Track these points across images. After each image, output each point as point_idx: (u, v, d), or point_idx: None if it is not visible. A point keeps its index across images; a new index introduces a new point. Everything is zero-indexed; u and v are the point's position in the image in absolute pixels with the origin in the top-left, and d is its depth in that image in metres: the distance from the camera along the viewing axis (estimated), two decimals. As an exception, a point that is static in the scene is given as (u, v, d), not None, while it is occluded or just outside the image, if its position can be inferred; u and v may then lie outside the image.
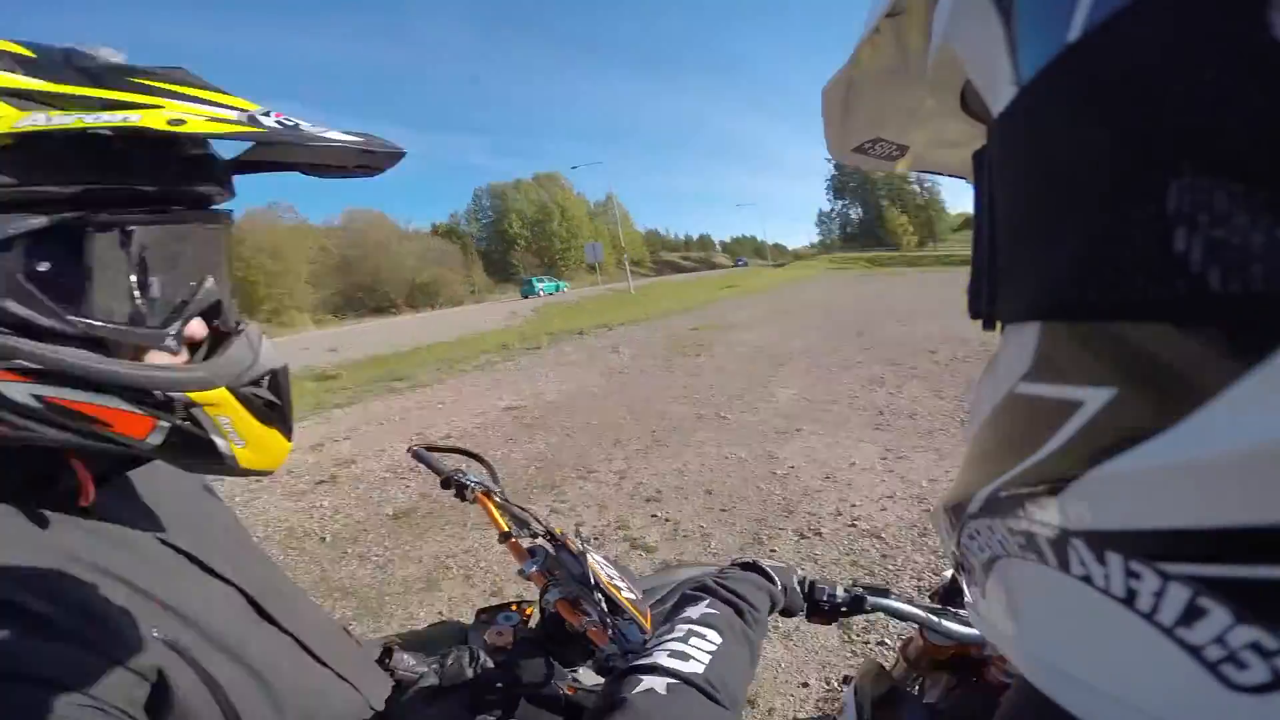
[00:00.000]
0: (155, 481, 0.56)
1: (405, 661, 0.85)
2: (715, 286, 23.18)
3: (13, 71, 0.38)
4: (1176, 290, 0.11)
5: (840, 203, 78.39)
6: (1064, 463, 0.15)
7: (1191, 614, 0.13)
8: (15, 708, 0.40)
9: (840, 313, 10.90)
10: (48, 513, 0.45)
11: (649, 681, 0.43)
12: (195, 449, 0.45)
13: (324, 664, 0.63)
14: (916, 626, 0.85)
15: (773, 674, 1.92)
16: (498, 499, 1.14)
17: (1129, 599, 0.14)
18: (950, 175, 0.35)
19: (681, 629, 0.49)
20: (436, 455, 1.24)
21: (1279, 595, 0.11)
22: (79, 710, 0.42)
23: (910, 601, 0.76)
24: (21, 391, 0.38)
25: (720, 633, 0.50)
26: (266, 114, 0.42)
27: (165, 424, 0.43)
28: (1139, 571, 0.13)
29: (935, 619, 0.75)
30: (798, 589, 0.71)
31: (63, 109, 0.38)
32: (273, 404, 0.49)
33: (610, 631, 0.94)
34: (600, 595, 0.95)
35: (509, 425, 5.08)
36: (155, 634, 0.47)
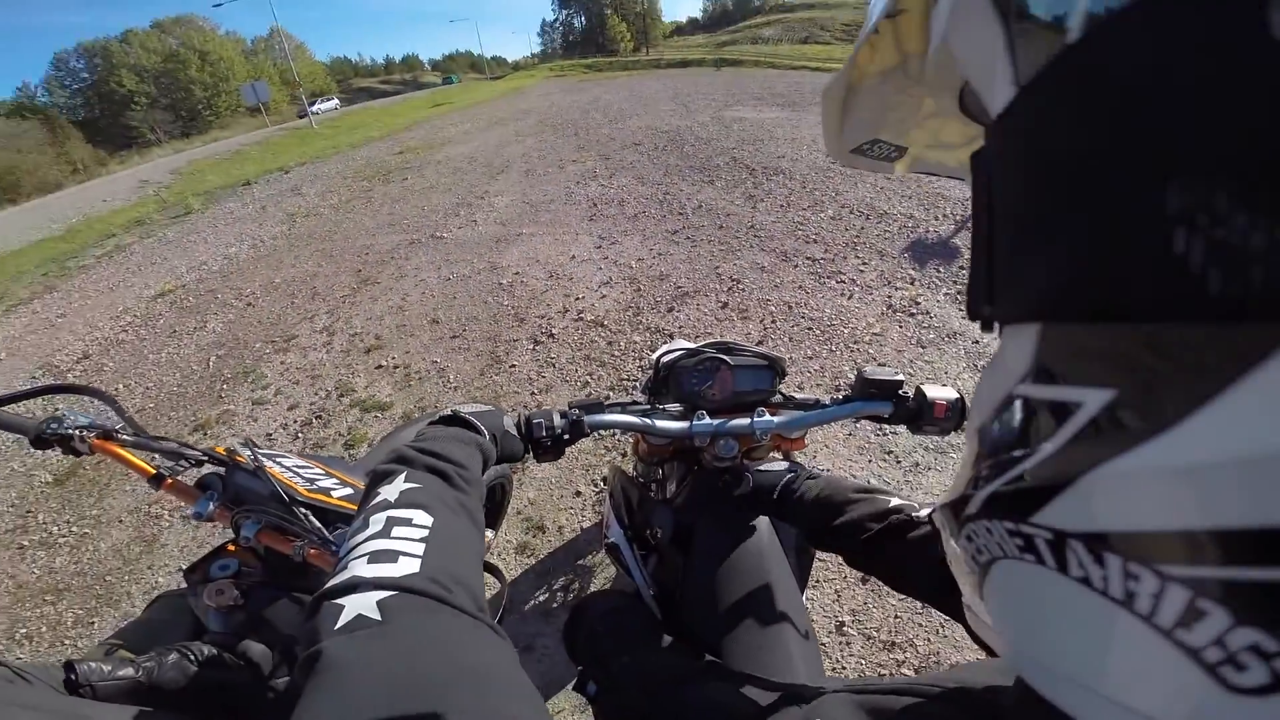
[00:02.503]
0: None
1: (98, 672, 0.66)
2: (423, 107, 20.13)
3: None
4: (1176, 292, 0.11)
5: (565, 11, 73.39)
6: (1063, 464, 0.15)
7: (1191, 616, 0.13)
8: None
9: (556, 117, 10.36)
10: None
11: (353, 605, 0.31)
12: None
13: None
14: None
15: (549, 492, 1.93)
16: (125, 436, 0.84)
17: (1128, 600, 0.14)
18: (949, 176, 0.35)
19: (378, 519, 0.38)
20: (11, 410, 0.85)
21: (1278, 597, 0.11)
22: None
23: (623, 409, 0.71)
24: None
25: (429, 510, 0.40)
26: None
27: None
28: (1138, 573, 0.13)
29: (649, 422, 0.71)
30: (512, 431, 0.61)
31: None
32: None
33: (333, 547, 0.80)
34: (303, 509, 0.80)
35: (168, 315, 3.93)
36: None
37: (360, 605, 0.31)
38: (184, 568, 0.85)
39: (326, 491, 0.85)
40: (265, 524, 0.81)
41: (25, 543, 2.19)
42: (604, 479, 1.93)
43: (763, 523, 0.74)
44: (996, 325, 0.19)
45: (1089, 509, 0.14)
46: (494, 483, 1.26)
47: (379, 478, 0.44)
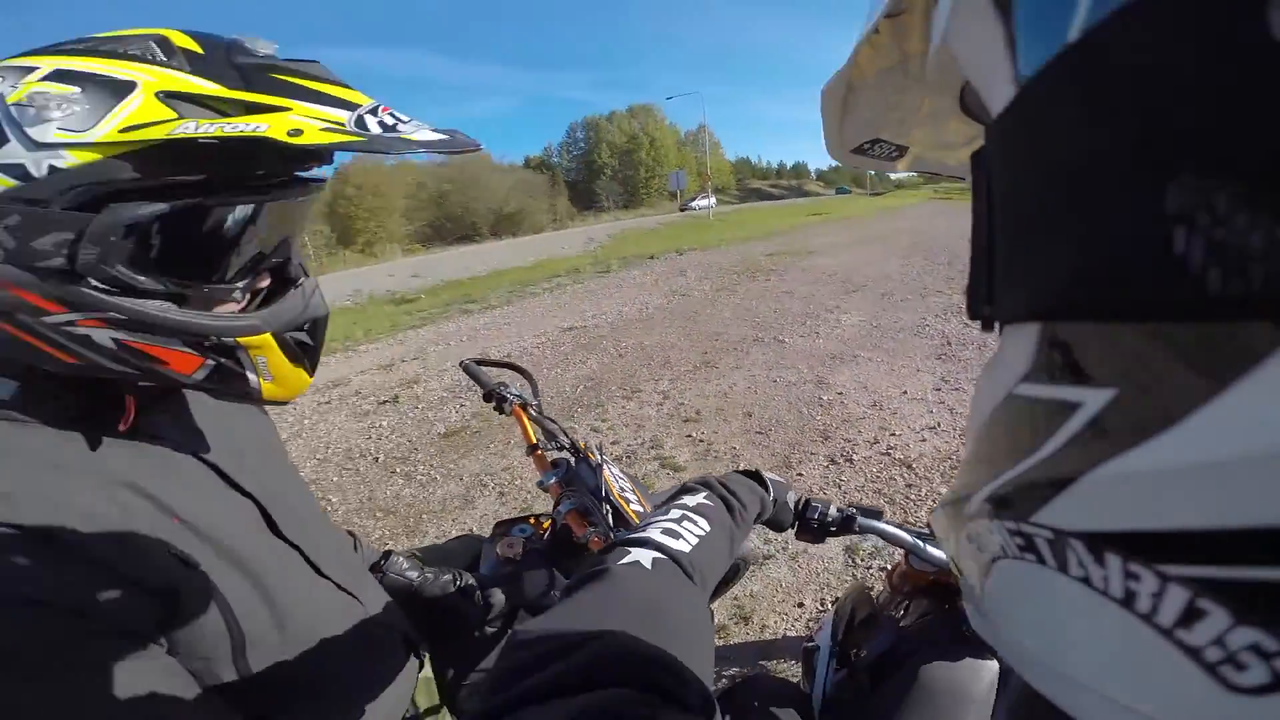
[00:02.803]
0: (202, 397, 0.59)
1: (398, 564, 0.89)
2: (801, 213, 21.95)
3: (180, 69, 0.45)
4: (1176, 291, 0.11)
5: (958, 131, 72.56)
6: (1063, 463, 0.15)
7: (1191, 615, 0.13)
8: (42, 634, 0.44)
9: (931, 242, 9.97)
10: (104, 437, 0.51)
11: (637, 554, 0.45)
12: (229, 381, 0.51)
13: (325, 576, 0.67)
14: (904, 551, 0.83)
15: (772, 592, 1.93)
16: (532, 413, 1.17)
17: (1128, 600, 0.14)
18: (949, 176, 0.35)
19: (677, 512, 0.52)
20: (485, 370, 1.29)
21: (1278, 597, 0.11)
22: (100, 639, 0.46)
23: (901, 526, 0.75)
24: (104, 335, 0.45)
25: (710, 522, 0.52)
26: (375, 111, 0.46)
27: (211, 363, 0.49)
28: (1138, 573, 0.13)
29: (921, 544, 0.73)
30: (790, 505, 0.71)
31: (211, 109, 0.44)
32: (305, 345, 0.54)
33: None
34: (609, 507, 0.97)
35: (567, 345, 5.20)
36: (173, 552, 0.51)
37: (641, 556, 0.44)
38: (498, 520, 1.12)
39: (628, 501, 1.01)
40: (578, 506, 0.98)
41: (397, 470, 3.17)
42: (835, 600, 1.76)
43: (989, 671, 0.65)
44: (996, 325, 0.19)
45: (1089, 509, 0.14)
46: (739, 559, 1.33)
47: (688, 490, 0.59)
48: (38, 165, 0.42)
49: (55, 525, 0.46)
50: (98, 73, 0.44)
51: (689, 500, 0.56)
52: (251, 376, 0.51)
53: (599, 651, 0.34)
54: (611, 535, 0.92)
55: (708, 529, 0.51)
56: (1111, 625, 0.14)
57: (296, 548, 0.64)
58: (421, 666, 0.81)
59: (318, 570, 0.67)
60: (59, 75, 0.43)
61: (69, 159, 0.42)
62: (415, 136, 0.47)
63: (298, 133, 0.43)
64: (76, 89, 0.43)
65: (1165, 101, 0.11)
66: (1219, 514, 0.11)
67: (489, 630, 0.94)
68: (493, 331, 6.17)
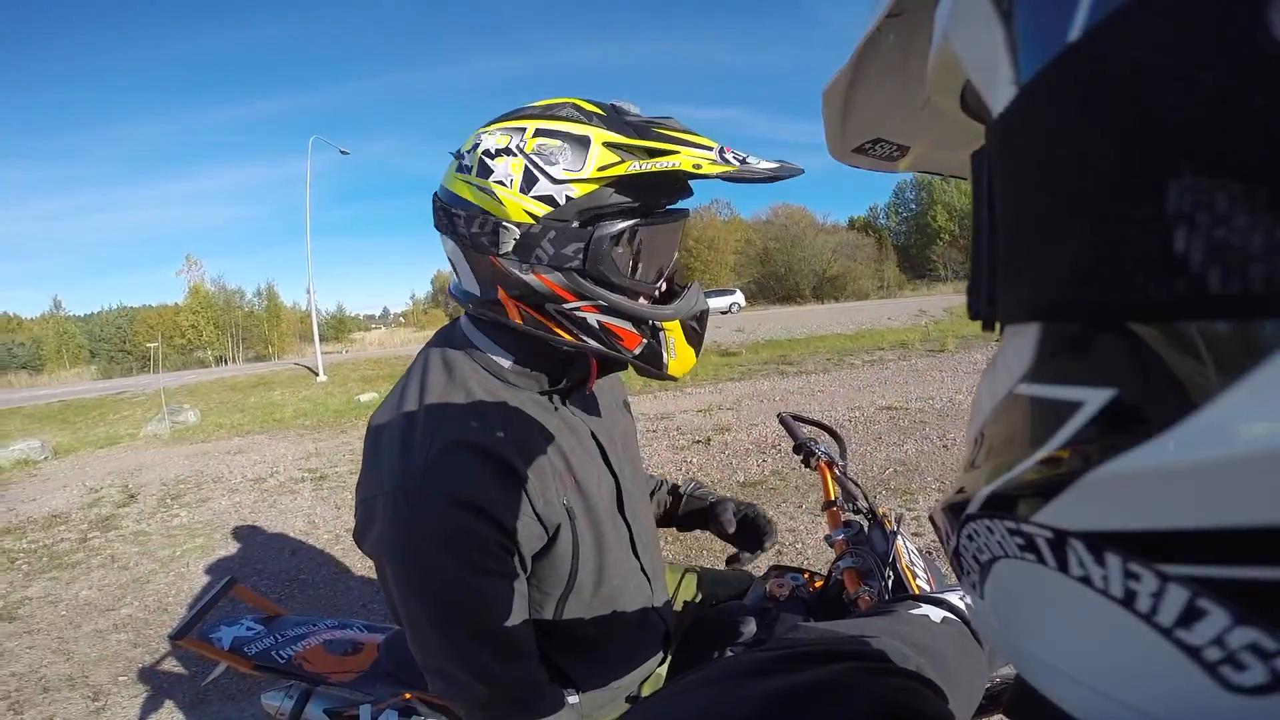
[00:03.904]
0: (600, 389, 0.79)
1: (701, 490, 1.06)
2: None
3: (602, 126, 0.59)
4: (1176, 291, 0.11)
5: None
6: (1064, 463, 0.15)
7: (1190, 615, 0.13)
8: (460, 527, 0.59)
9: None
10: (556, 405, 0.70)
11: (926, 609, 0.44)
12: (653, 358, 0.66)
13: (638, 558, 0.80)
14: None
15: None
16: (837, 471, 1.25)
17: (1128, 600, 0.14)
18: (950, 176, 0.35)
19: (962, 593, 0.52)
20: (799, 425, 1.41)
21: (1278, 596, 0.11)
22: (497, 546, 0.60)
23: None
24: (593, 318, 0.62)
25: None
26: (724, 151, 0.58)
27: (645, 340, 0.64)
28: (1138, 573, 0.13)
29: None
30: None
31: (630, 154, 0.58)
32: (695, 331, 0.68)
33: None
34: (891, 574, 0.99)
35: (882, 424, 4.87)
36: (563, 500, 0.66)
37: (930, 611, 0.44)
38: (775, 564, 1.14)
39: (915, 575, 0.97)
40: (858, 566, 0.97)
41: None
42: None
43: None
44: (997, 325, 0.18)
45: (1089, 508, 0.14)
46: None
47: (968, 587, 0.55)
48: (560, 196, 0.58)
49: (514, 463, 0.62)
50: (562, 130, 0.58)
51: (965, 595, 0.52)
52: (664, 354, 0.65)
53: (887, 645, 0.34)
54: (887, 598, 0.90)
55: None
56: (1112, 625, 0.14)
57: (629, 527, 0.77)
58: (663, 662, 0.88)
59: (635, 551, 0.79)
60: (541, 133, 0.58)
61: (574, 191, 0.57)
62: (761, 165, 0.57)
63: (698, 166, 0.56)
64: (560, 142, 0.58)
65: (1166, 101, 0.11)
66: (1219, 514, 0.11)
67: (730, 650, 0.98)
68: (805, 396, 6.21)
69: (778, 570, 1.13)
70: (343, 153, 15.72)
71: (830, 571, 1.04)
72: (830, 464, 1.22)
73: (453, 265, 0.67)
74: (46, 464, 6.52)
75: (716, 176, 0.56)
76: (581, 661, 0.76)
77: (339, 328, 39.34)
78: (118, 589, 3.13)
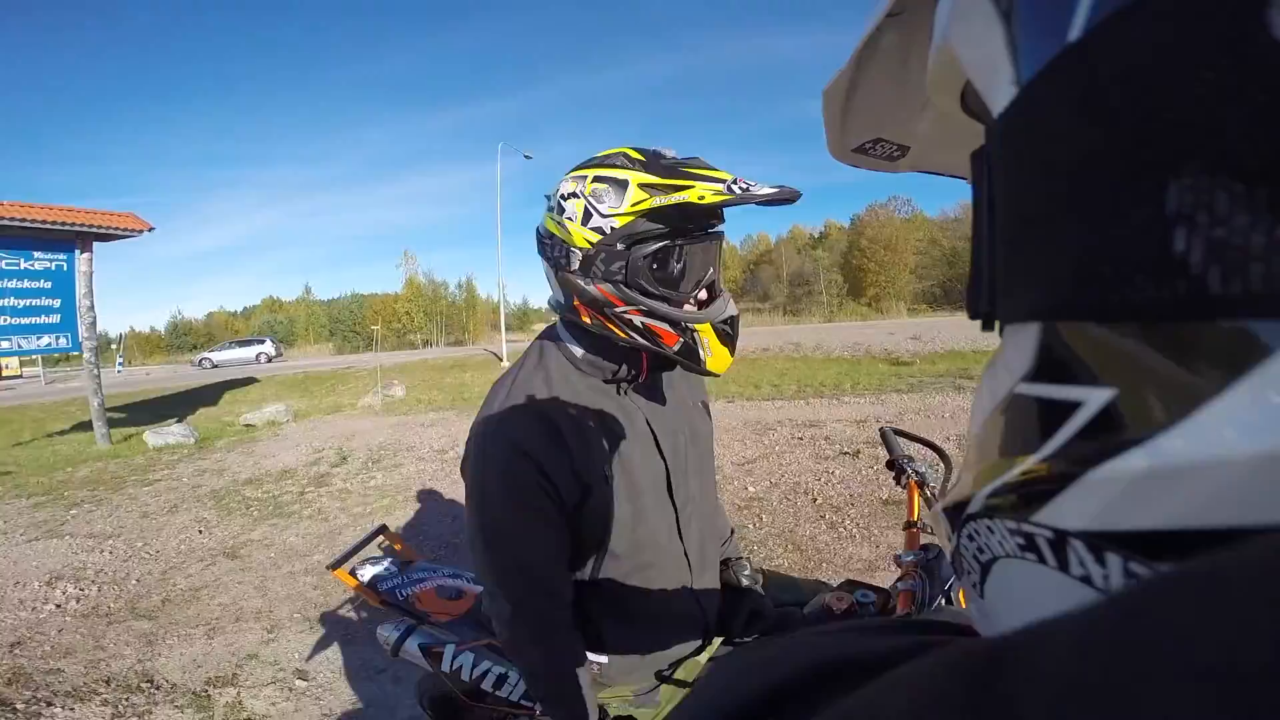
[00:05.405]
0: (675, 388, 0.94)
1: (742, 568, 1.07)
2: None
3: (640, 170, 0.74)
4: (1176, 291, 0.11)
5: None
6: (1064, 463, 0.15)
7: None
8: (513, 465, 0.76)
9: None
10: (615, 391, 0.86)
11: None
12: (691, 354, 0.78)
13: (682, 540, 0.90)
14: None
15: None
16: (928, 493, 1.20)
17: None
18: (950, 176, 0.35)
19: None
20: (901, 440, 1.36)
21: None
22: (538, 488, 0.76)
23: None
24: (638, 319, 0.76)
25: None
26: (735, 182, 0.71)
27: (682, 340, 0.77)
28: (1139, 572, 0.13)
29: None
30: None
31: (658, 191, 0.73)
32: (727, 334, 0.80)
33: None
34: (944, 602, 0.98)
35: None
36: (604, 470, 0.81)
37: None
38: (849, 578, 1.11)
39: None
40: (915, 589, 0.97)
41: (826, 517, 3.22)
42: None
43: None
44: (997, 325, 0.18)
45: (1090, 508, 0.14)
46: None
47: None
48: (606, 226, 0.74)
49: (561, 425, 0.78)
50: (609, 175, 0.75)
51: None
52: (700, 351, 0.78)
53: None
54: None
55: None
56: None
57: (675, 510, 0.89)
58: (700, 651, 0.96)
59: (680, 534, 0.89)
60: (596, 179, 0.75)
61: (616, 222, 0.74)
62: (760, 190, 0.69)
63: (703, 197, 0.70)
64: (606, 186, 0.74)
65: (1165, 101, 0.11)
66: (1220, 514, 0.11)
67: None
68: (920, 415, 5.44)
69: (849, 585, 1.12)
70: (526, 157, 17.51)
71: (889, 589, 1.03)
72: (921, 484, 1.18)
73: (549, 281, 0.85)
74: (288, 425, 7.69)
75: (719, 204, 0.70)
76: (613, 621, 0.88)
77: (524, 318, 43.40)
78: (315, 538, 3.60)
